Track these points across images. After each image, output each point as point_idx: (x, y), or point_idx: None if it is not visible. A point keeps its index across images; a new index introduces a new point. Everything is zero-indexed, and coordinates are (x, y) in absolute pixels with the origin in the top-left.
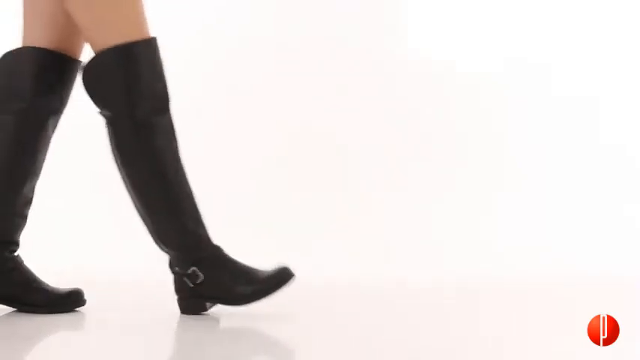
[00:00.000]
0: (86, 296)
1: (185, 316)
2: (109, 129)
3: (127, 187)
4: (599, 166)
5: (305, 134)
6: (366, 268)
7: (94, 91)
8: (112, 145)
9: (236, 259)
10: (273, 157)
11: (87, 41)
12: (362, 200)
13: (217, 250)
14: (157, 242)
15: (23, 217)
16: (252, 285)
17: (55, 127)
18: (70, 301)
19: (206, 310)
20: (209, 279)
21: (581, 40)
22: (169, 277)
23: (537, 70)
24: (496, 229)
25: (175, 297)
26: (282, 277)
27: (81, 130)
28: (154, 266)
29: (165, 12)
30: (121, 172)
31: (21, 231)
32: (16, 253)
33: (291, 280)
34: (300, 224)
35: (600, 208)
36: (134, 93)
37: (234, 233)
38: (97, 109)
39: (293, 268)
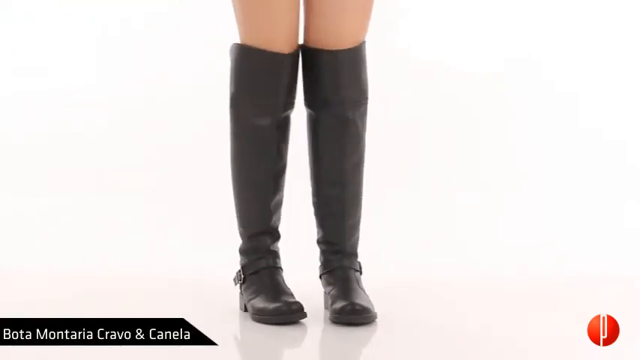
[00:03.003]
0: None
1: None
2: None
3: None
4: (600, 165)
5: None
6: (366, 269)
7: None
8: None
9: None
10: None
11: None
12: None
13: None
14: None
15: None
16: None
17: None
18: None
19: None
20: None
21: (581, 39)
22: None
23: (537, 70)
24: (496, 228)
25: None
26: (283, 313)
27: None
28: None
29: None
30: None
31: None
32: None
33: (291, 319)
34: (304, 226)
35: (600, 208)
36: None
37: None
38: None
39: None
